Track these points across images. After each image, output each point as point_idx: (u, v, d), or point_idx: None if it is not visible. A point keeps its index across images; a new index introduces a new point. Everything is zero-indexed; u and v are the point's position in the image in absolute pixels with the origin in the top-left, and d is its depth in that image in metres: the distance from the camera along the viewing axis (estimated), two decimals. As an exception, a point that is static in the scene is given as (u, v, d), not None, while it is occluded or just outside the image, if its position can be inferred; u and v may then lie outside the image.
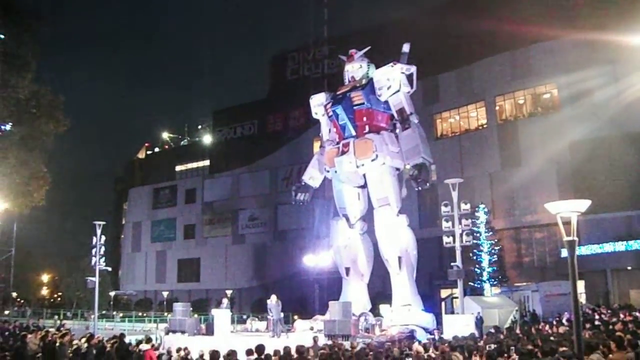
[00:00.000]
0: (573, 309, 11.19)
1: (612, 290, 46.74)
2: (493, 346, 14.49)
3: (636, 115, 47.28)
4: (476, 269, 48.14)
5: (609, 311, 32.62)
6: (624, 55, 47.34)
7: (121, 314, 65.80)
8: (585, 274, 44.25)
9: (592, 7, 49.93)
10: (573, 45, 51.67)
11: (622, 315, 27.61)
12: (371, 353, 15.07)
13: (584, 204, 10.52)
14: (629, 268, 46.72)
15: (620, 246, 46.29)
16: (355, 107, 30.98)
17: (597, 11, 48.91)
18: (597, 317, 29.03)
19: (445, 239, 31.82)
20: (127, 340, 23.26)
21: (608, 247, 46.41)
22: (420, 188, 29.47)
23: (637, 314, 28.22)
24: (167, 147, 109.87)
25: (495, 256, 49.19)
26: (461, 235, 31.17)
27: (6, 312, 61.00)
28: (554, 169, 52.09)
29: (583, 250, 43.45)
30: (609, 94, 48.26)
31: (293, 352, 15.09)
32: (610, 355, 10.86)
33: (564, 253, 45.88)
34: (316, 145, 55.27)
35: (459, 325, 27.22)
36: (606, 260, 45.90)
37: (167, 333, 32.07)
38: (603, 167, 47.66)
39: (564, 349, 12.66)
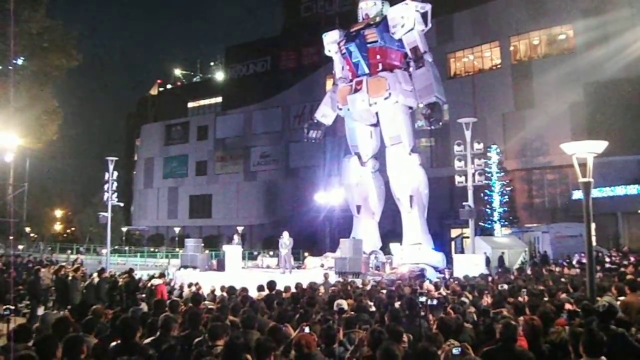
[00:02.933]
0: (586, 251, 11.17)
1: (622, 234, 46.80)
2: (505, 286, 14.52)
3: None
4: (487, 209, 48.27)
5: (619, 254, 32.67)
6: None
7: (133, 249, 66.47)
8: (596, 217, 43.68)
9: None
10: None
11: (632, 259, 27.67)
12: (383, 291, 15.14)
13: (601, 145, 10.42)
14: (640, 211, 46.75)
15: (632, 189, 46.18)
16: (368, 45, 30.68)
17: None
18: (607, 259, 29.09)
19: (458, 179, 31.67)
20: (138, 275, 23.47)
21: (620, 190, 46.30)
22: (432, 127, 29.32)
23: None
24: (179, 83, 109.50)
25: (506, 197, 49.30)
26: (473, 175, 31.03)
27: (20, 247, 61.62)
28: (567, 110, 51.58)
29: (594, 193, 42.83)
30: (626, 38, 47.47)
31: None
32: (623, 297, 10.86)
33: (575, 195, 46.04)
34: (329, 83, 54.96)
35: (469, 264, 27.33)
36: (617, 203, 45.80)
37: (179, 269, 32.40)
38: (617, 110, 47.07)
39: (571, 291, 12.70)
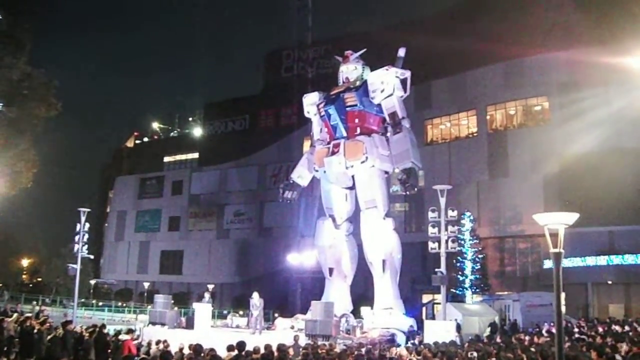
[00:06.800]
0: (556, 321, 11.24)
1: (591, 304, 47.07)
2: (475, 354, 14.53)
3: (625, 133, 47.70)
4: (459, 276, 48.28)
5: (588, 324, 32.78)
6: (618, 77, 47.02)
7: (101, 303, 65.49)
8: (566, 286, 43.76)
9: (587, 27, 49.94)
10: (567, 62, 51.70)
11: (600, 329, 27.75)
12: (352, 356, 15.06)
13: (572, 217, 10.55)
14: (610, 282, 47.19)
15: (602, 260, 46.70)
16: (347, 109, 30.89)
17: (592, 31, 48.93)
18: (576, 329, 29.14)
19: (431, 245, 31.65)
20: (105, 330, 23.12)
21: (590, 261, 46.82)
22: (407, 192, 29.48)
23: (616, 326, 28.32)
24: (156, 137, 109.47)
25: (478, 264, 49.37)
26: (447, 241, 31.02)
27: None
28: (540, 180, 52.26)
29: (565, 263, 43.43)
30: (600, 114, 48.10)
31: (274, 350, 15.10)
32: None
33: (547, 264, 46.41)
34: (306, 144, 55.37)
35: (439, 331, 27.24)
36: (587, 273, 46.28)
37: (147, 325, 31.95)
38: (589, 182, 47.57)
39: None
